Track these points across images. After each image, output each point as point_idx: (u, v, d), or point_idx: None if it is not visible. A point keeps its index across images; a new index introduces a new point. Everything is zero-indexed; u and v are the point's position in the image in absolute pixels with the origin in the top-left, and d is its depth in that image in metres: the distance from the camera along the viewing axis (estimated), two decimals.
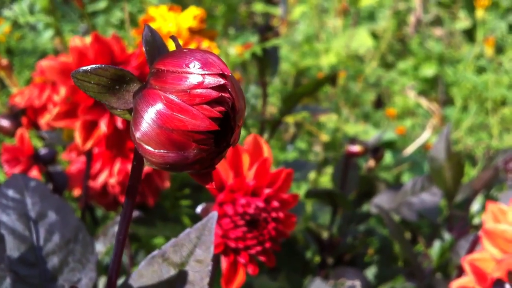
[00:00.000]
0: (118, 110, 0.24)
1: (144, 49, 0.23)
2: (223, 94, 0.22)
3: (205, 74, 0.22)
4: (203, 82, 0.22)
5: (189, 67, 0.22)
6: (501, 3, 1.88)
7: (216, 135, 0.23)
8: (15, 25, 1.24)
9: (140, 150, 0.23)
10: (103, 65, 0.23)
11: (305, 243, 0.93)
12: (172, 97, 0.22)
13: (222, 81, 0.22)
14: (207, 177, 0.24)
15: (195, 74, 0.22)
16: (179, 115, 0.22)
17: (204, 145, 0.22)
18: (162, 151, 0.22)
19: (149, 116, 0.22)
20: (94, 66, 0.23)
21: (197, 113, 0.22)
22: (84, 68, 0.22)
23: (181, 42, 0.33)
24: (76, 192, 0.70)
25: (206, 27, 0.64)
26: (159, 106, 0.22)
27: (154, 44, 0.24)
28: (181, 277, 0.34)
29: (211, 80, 0.22)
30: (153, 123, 0.22)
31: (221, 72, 0.22)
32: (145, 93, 0.23)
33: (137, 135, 0.22)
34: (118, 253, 0.28)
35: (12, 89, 0.82)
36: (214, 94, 0.22)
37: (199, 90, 0.22)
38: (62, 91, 0.58)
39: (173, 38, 0.24)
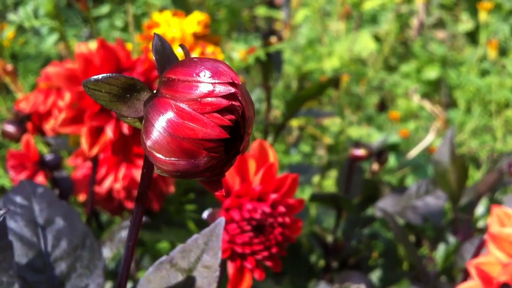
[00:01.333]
0: (129, 118, 0.24)
1: (154, 58, 0.23)
2: (233, 103, 0.22)
3: (215, 83, 0.22)
4: (213, 91, 0.22)
5: (199, 76, 0.22)
6: (504, 6, 1.88)
7: (226, 143, 0.23)
8: (19, 30, 1.24)
9: (151, 158, 0.23)
10: (114, 74, 0.23)
11: (310, 247, 0.93)
12: (183, 105, 0.22)
13: (232, 89, 0.22)
14: (217, 184, 0.24)
15: (205, 83, 0.22)
16: (190, 123, 0.22)
17: (214, 153, 0.22)
18: (173, 159, 0.22)
19: (160, 125, 0.22)
20: (105, 75, 0.23)
21: (208, 122, 0.22)
22: (96, 77, 0.23)
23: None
24: (82, 197, 0.70)
25: (210, 32, 0.64)
26: (170, 114, 0.22)
27: (164, 53, 0.24)
28: (189, 282, 0.34)
29: (221, 89, 0.22)
30: (164, 132, 0.22)
31: (231, 81, 0.22)
32: (156, 102, 0.23)
33: (148, 143, 0.22)
34: (127, 259, 0.29)
35: (17, 94, 0.82)
36: (225, 102, 0.22)
37: (209, 99, 0.22)
38: (67, 97, 0.58)
39: (182, 46, 0.24)
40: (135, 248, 0.28)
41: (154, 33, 0.24)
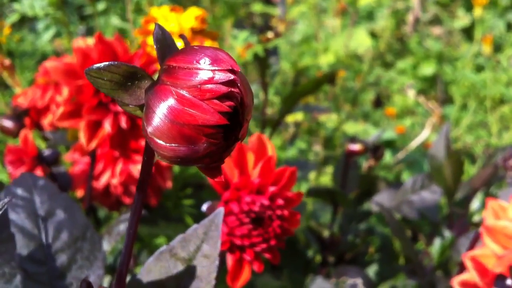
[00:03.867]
0: (130, 106, 0.24)
1: (155, 46, 0.24)
2: (232, 89, 0.23)
3: (215, 70, 0.22)
4: (213, 77, 0.22)
5: (199, 63, 0.23)
6: (500, 2, 1.88)
7: (226, 129, 0.23)
8: (15, 27, 1.24)
9: (152, 145, 0.23)
10: (116, 62, 0.23)
11: (306, 242, 0.93)
12: (183, 92, 0.22)
13: (231, 76, 0.23)
14: (216, 171, 0.24)
15: (205, 70, 0.22)
16: (190, 109, 0.22)
17: (214, 139, 0.23)
18: (173, 145, 0.23)
19: (161, 111, 0.23)
20: (107, 63, 0.23)
21: (207, 108, 0.22)
22: (98, 65, 0.23)
23: (182, 43, 0.33)
24: (79, 193, 0.70)
25: (208, 28, 0.64)
26: (171, 101, 0.23)
27: (165, 42, 0.25)
28: (189, 272, 0.34)
29: (221, 76, 0.22)
30: (165, 118, 0.22)
31: (230, 68, 0.23)
32: (157, 89, 0.23)
33: (149, 129, 0.23)
34: (128, 246, 0.29)
35: (15, 89, 0.83)
36: (224, 89, 0.22)
37: (209, 86, 0.22)
38: (65, 92, 0.58)
39: (182, 36, 0.25)
40: (136, 235, 0.29)
41: (155, 23, 0.24)
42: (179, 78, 0.23)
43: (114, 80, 0.24)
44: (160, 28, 0.24)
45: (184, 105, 0.22)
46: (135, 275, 0.35)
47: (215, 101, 0.22)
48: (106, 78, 0.23)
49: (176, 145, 0.23)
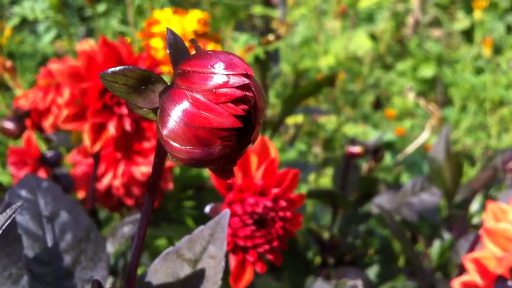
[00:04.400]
0: (144, 109, 0.25)
1: (168, 51, 0.24)
2: (246, 93, 0.23)
3: (229, 74, 0.23)
4: (228, 81, 0.23)
5: (214, 68, 0.23)
6: (500, 4, 1.89)
7: (239, 132, 0.24)
8: (15, 29, 1.24)
9: (166, 147, 0.24)
10: (131, 66, 0.24)
11: (306, 244, 0.93)
12: (198, 96, 0.23)
13: (246, 80, 0.23)
14: (228, 173, 0.25)
15: (220, 74, 0.23)
16: (205, 113, 0.23)
17: (228, 141, 0.23)
18: (188, 147, 0.23)
19: (176, 114, 0.23)
20: (122, 67, 0.24)
21: (222, 111, 0.23)
22: (113, 69, 0.23)
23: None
24: (81, 194, 0.71)
25: (210, 30, 0.65)
26: (186, 104, 0.23)
27: (177, 47, 0.25)
28: (195, 272, 0.34)
29: (235, 80, 0.23)
30: (180, 121, 0.23)
31: (244, 72, 0.23)
32: (171, 93, 0.24)
33: (164, 132, 0.23)
34: (138, 248, 0.29)
35: (16, 91, 0.83)
36: (239, 93, 0.23)
37: (224, 89, 0.23)
38: (66, 93, 0.58)
39: (193, 41, 0.25)
40: (145, 236, 0.29)
41: (167, 28, 0.25)
42: (194, 82, 0.23)
43: (129, 84, 0.24)
44: (172, 33, 0.25)
45: (199, 109, 0.23)
46: (141, 276, 0.35)
47: (230, 104, 0.23)
48: (120, 82, 0.24)
49: (191, 147, 0.23)
